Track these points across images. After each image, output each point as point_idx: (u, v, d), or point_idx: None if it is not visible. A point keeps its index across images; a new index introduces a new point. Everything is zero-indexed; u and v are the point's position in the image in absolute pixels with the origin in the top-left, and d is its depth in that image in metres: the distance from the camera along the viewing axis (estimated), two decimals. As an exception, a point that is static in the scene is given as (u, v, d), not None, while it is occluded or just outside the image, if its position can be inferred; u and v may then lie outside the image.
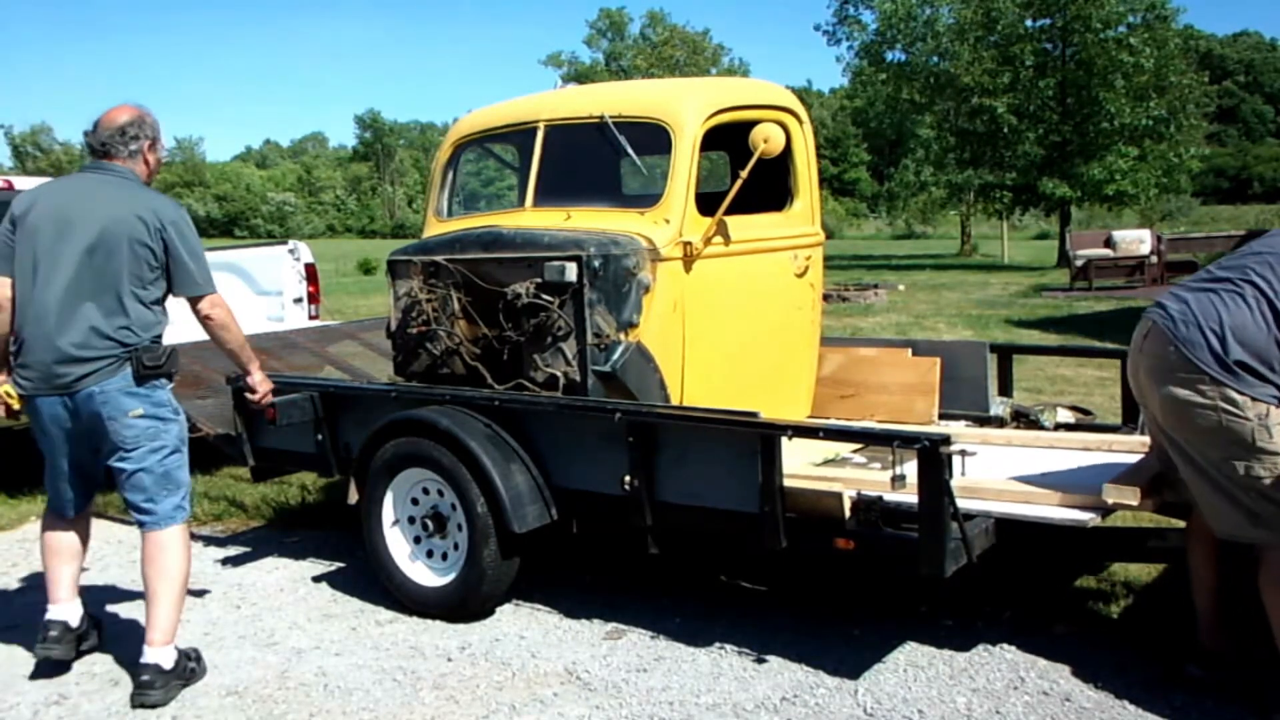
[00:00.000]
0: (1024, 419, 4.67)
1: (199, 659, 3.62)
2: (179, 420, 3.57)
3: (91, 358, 3.38)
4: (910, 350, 4.97)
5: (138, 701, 3.39)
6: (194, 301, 3.56)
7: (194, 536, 5.27)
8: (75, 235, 3.40)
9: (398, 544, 4.12)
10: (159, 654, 3.43)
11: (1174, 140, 25.88)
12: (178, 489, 3.52)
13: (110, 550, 5.06)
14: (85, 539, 3.77)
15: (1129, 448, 3.99)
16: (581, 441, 3.80)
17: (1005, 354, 5.07)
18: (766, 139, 3.96)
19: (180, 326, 6.41)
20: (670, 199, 4.07)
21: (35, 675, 3.70)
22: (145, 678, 3.40)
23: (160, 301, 3.54)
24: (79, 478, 3.67)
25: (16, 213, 3.51)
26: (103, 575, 4.75)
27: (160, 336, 3.54)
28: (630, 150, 4.23)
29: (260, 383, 3.95)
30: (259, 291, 7.22)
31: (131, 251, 3.40)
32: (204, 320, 3.60)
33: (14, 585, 4.69)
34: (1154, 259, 18.38)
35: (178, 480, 3.52)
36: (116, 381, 3.40)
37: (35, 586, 4.66)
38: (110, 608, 4.34)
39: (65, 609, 3.68)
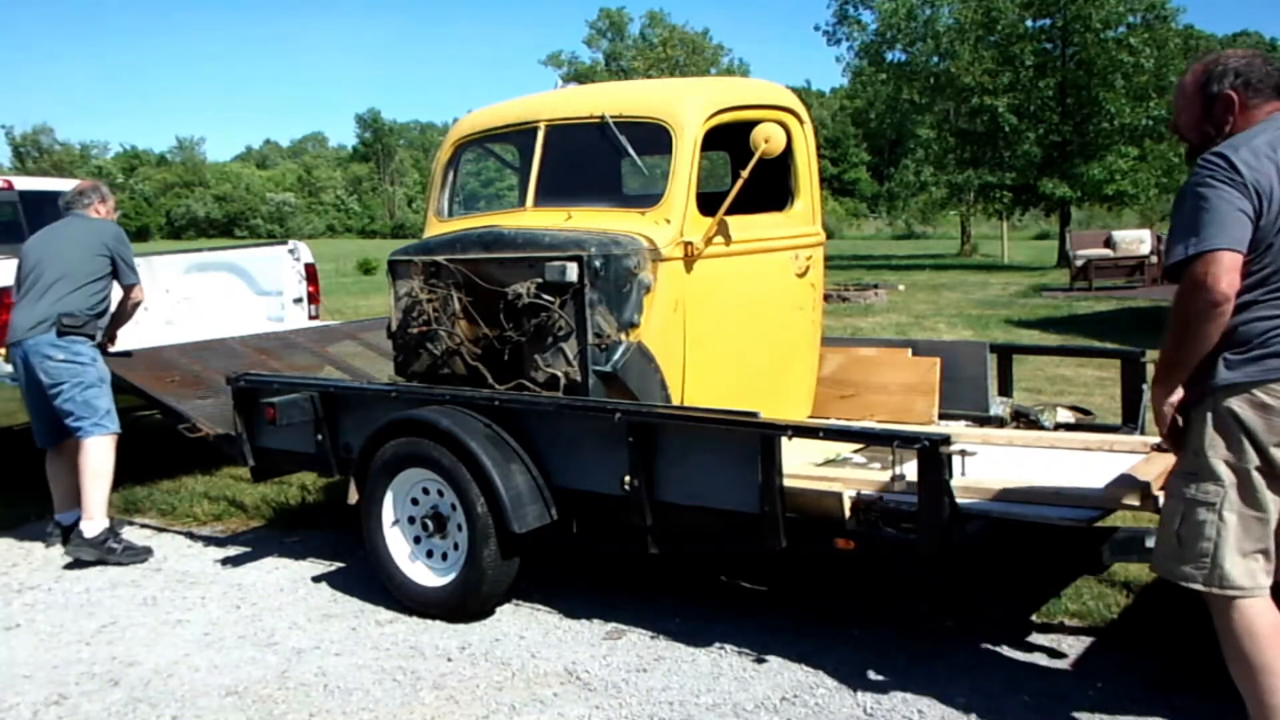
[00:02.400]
0: (1024, 419, 4.66)
1: (126, 550, 4.85)
2: (94, 365, 4.92)
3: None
4: (910, 350, 4.97)
5: (69, 552, 4.87)
6: None
7: (194, 536, 5.30)
8: None
9: (398, 544, 4.12)
10: (85, 525, 4.86)
11: (1174, 140, 25.85)
12: (95, 411, 4.88)
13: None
14: (70, 467, 5.02)
15: (1129, 448, 3.99)
16: (582, 441, 3.80)
17: (1005, 354, 5.07)
18: (767, 139, 3.96)
19: (179, 327, 6.41)
20: (671, 199, 4.07)
21: (35, 675, 3.70)
22: (72, 537, 4.89)
23: (91, 283, 4.98)
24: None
25: None
26: (103, 576, 4.75)
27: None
28: (631, 150, 4.22)
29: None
30: (259, 291, 7.22)
31: None
32: None
33: (14, 585, 4.69)
34: (1154, 259, 18.36)
35: (93, 406, 4.88)
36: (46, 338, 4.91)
37: (35, 586, 4.67)
38: (115, 609, 4.35)
39: (62, 516, 5.14)
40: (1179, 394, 2.60)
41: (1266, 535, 2.55)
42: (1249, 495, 2.53)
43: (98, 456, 4.89)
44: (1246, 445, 2.52)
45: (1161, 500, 2.79)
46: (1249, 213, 2.46)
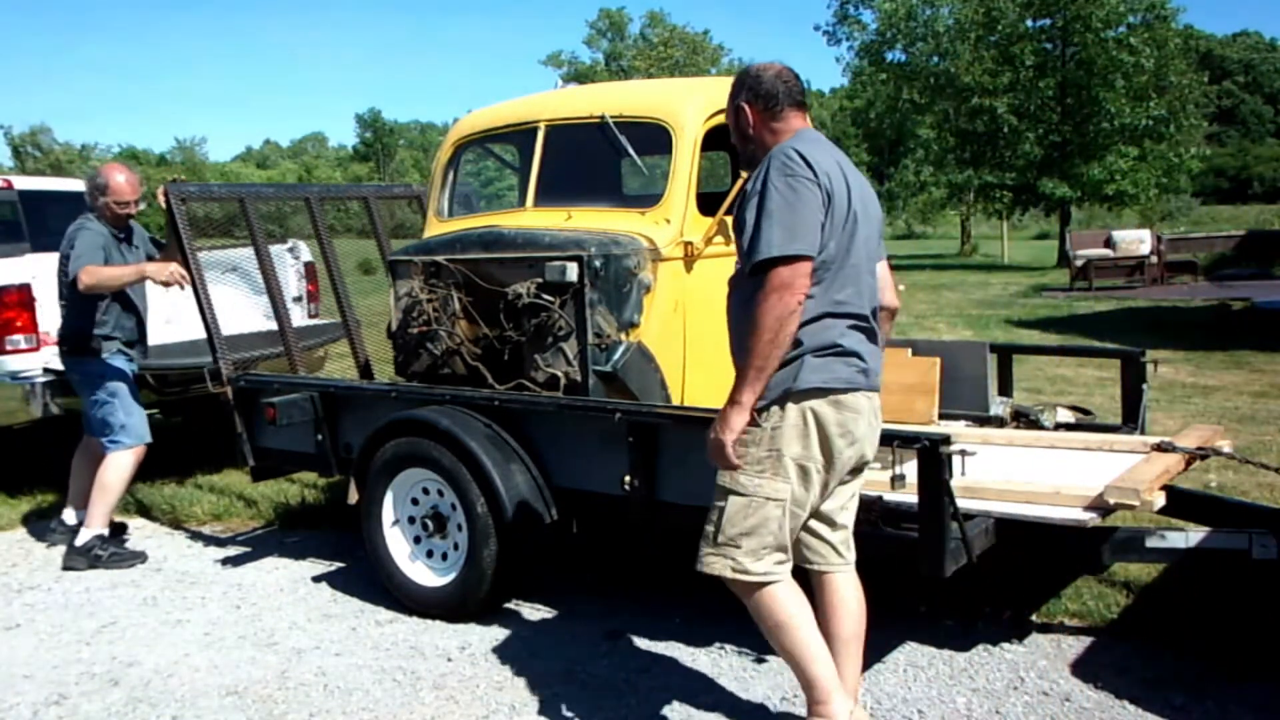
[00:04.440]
0: (1024, 419, 4.66)
1: (113, 556, 4.85)
2: (105, 380, 4.85)
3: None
4: (910, 350, 4.96)
5: (65, 564, 4.89)
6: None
7: (194, 536, 5.30)
8: None
9: (398, 544, 4.12)
10: (81, 533, 4.90)
11: (1174, 140, 25.89)
12: (109, 428, 4.89)
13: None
14: (92, 468, 5.05)
15: (1129, 448, 3.99)
16: (582, 441, 3.80)
17: (1005, 354, 5.07)
18: (767, 139, 3.95)
19: (179, 326, 6.39)
20: (671, 199, 4.07)
21: (35, 675, 3.70)
22: (70, 543, 4.93)
23: (71, 298, 4.81)
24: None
25: None
26: (103, 576, 4.75)
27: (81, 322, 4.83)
28: (631, 150, 4.22)
29: (157, 271, 4.76)
30: (258, 290, 7.21)
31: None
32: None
33: (14, 585, 4.69)
34: (1154, 259, 18.39)
35: (108, 423, 4.89)
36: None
37: (35, 586, 4.67)
38: (115, 609, 4.35)
39: (68, 514, 5.24)
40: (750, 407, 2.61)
41: (800, 523, 2.76)
42: (800, 492, 2.68)
43: (109, 471, 4.89)
44: (815, 443, 2.66)
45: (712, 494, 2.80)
46: (821, 214, 2.57)
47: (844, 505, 2.89)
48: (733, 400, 2.59)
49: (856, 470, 2.87)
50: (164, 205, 4.81)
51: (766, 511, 2.67)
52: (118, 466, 4.90)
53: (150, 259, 5.08)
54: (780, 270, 2.51)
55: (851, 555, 2.93)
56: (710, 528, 2.75)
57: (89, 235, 4.81)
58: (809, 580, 2.91)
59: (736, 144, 2.92)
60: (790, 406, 2.64)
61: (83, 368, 4.88)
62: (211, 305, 4.88)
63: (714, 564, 2.72)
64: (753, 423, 2.63)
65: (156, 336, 6.03)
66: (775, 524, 2.67)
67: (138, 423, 4.94)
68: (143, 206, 5.09)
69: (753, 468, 2.66)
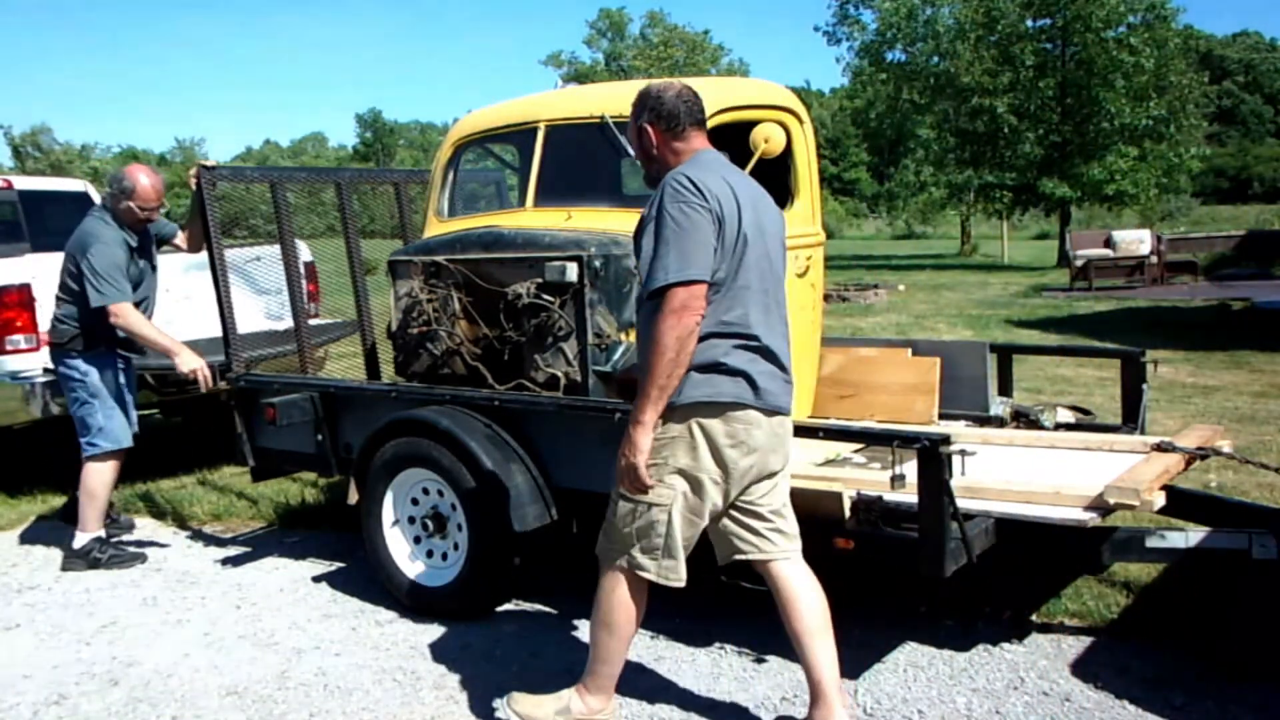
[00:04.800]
0: (1024, 419, 4.67)
1: (113, 558, 4.83)
2: (86, 380, 4.79)
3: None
4: (910, 350, 4.97)
5: (64, 566, 4.87)
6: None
7: (194, 536, 5.30)
8: None
9: (398, 544, 4.12)
10: (75, 537, 4.87)
11: (1174, 140, 25.86)
12: (87, 430, 4.84)
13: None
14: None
15: (1129, 448, 3.99)
16: (582, 441, 3.80)
17: (1005, 354, 5.07)
18: (767, 139, 3.96)
19: (179, 326, 6.39)
20: (670, 199, 4.06)
21: (35, 675, 3.70)
22: (64, 551, 4.92)
23: (68, 296, 4.80)
24: None
25: None
26: (103, 576, 4.75)
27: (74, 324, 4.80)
28: (631, 150, 4.21)
29: (186, 362, 4.76)
30: (258, 290, 7.20)
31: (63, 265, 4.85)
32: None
33: (14, 585, 4.69)
34: (1154, 259, 18.38)
35: (86, 424, 4.84)
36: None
37: (35, 586, 4.67)
38: (115, 609, 4.35)
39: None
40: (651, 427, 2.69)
41: (692, 540, 2.85)
42: (694, 500, 2.79)
43: (90, 478, 4.85)
44: (706, 455, 2.75)
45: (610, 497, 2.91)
46: (713, 239, 2.67)
47: (763, 496, 2.92)
48: (635, 421, 2.68)
49: (767, 477, 2.90)
50: (194, 187, 4.78)
51: (651, 516, 2.78)
52: (98, 473, 4.86)
53: (161, 242, 5.08)
54: (677, 293, 2.61)
55: (790, 544, 2.97)
56: (606, 523, 2.90)
57: (109, 252, 4.69)
58: (760, 575, 3.01)
59: (640, 164, 3.00)
60: (675, 421, 2.73)
61: (67, 364, 4.83)
62: (230, 297, 4.86)
63: (609, 555, 2.87)
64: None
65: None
66: (662, 528, 2.78)
67: (116, 427, 4.85)
68: (166, 209, 5.04)
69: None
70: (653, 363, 2.63)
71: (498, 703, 3.29)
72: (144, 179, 4.83)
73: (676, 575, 2.84)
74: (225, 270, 4.83)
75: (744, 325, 2.74)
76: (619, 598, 2.88)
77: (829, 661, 2.89)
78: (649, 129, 2.90)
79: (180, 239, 5.13)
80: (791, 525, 2.99)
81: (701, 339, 2.69)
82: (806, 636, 2.89)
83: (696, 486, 2.78)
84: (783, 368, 2.85)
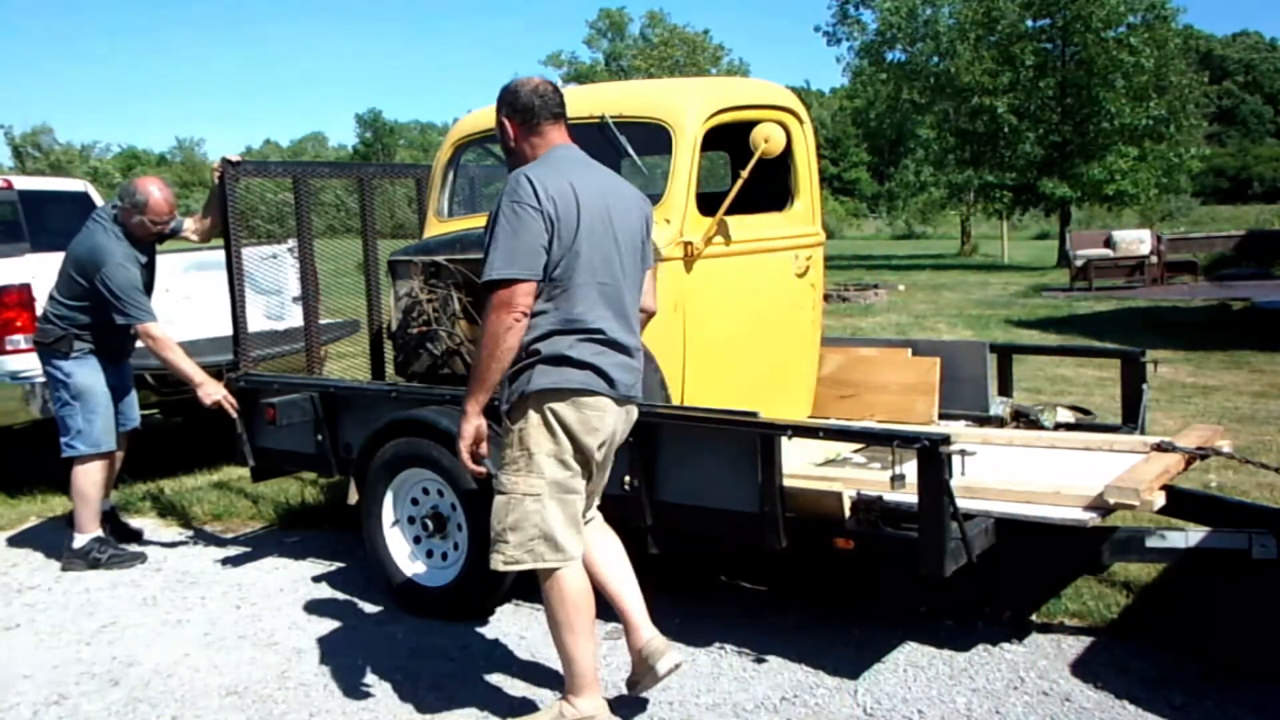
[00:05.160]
0: (1024, 419, 4.67)
1: (113, 558, 4.82)
2: (68, 382, 4.76)
3: None
4: (910, 350, 4.97)
5: (64, 566, 4.85)
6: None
7: (194, 536, 5.30)
8: None
9: (398, 544, 4.12)
10: (74, 538, 4.86)
11: (1174, 140, 25.85)
12: (67, 431, 4.80)
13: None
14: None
15: (1129, 447, 3.99)
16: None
17: (1005, 354, 5.07)
18: (767, 139, 3.96)
19: (179, 326, 6.39)
20: (671, 199, 4.07)
21: (35, 675, 3.70)
22: (64, 551, 4.88)
23: (64, 294, 4.77)
24: None
25: None
26: (103, 576, 4.75)
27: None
28: (631, 150, 4.22)
29: (210, 394, 4.67)
30: (258, 290, 7.20)
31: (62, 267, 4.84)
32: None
33: (14, 585, 4.69)
34: (1154, 259, 18.38)
35: (66, 425, 4.80)
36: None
37: (35, 586, 4.67)
38: (115, 609, 4.35)
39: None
40: (480, 414, 2.85)
41: (578, 513, 2.96)
42: (564, 480, 2.90)
43: (77, 479, 4.83)
44: (564, 439, 2.87)
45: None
46: (544, 239, 2.78)
47: (590, 492, 3.10)
48: (461, 411, 2.86)
49: (608, 464, 3.11)
50: (216, 180, 4.76)
51: (525, 507, 2.88)
52: (85, 474, 4.83)
53: (169, 237, 5.05)
54: (500, 292, 2.75)
55: (593, 514, 3.20)
56: (494, 530, 2.96)
57: (126, 272, 4.64)
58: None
59: (505, 157, 3.09)
60: (530, 410, 2.86)
61: (51, 364, 4.80)
62: (244, 295, 4.85)
63: (494, 559, 2.96)
64: (506, 428, 2.90)
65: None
66: (536, 517, 2.87)
67: (96, 431, 4.80)
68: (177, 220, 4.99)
69: (510, 468, 2.89)
70: (476, 355, 2.82)
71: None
72: (156, 192, 4.79)
73: (567, 553, 2.93)
74: (241, 268, 4.81)
75: (586, 320, 2.85)
76: (558, 597, 2.94)
77: (632, 593, 3.15)
78: (506, 123, 3.00)
79: (189, 229, 5.07)
80: (595, 503, 3.20)
81: (546, 335, 2.83)
82: (616, 584, 3.15)
83: (565, 467, 2.90)
84: (635, 358, 2.99)
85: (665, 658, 3.10)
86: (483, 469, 2.90)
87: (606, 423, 2.92)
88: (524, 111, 2.96)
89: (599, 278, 2.88)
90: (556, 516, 2.89)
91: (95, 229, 4.80)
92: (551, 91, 2.99)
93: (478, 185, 5.48)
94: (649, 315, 3.28)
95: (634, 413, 3.09)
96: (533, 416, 2.86)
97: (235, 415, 4.69)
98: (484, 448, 2.88)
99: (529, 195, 2.78)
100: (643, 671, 3.14)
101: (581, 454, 2.91)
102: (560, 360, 2.83)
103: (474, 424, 2.84)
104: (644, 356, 3.12)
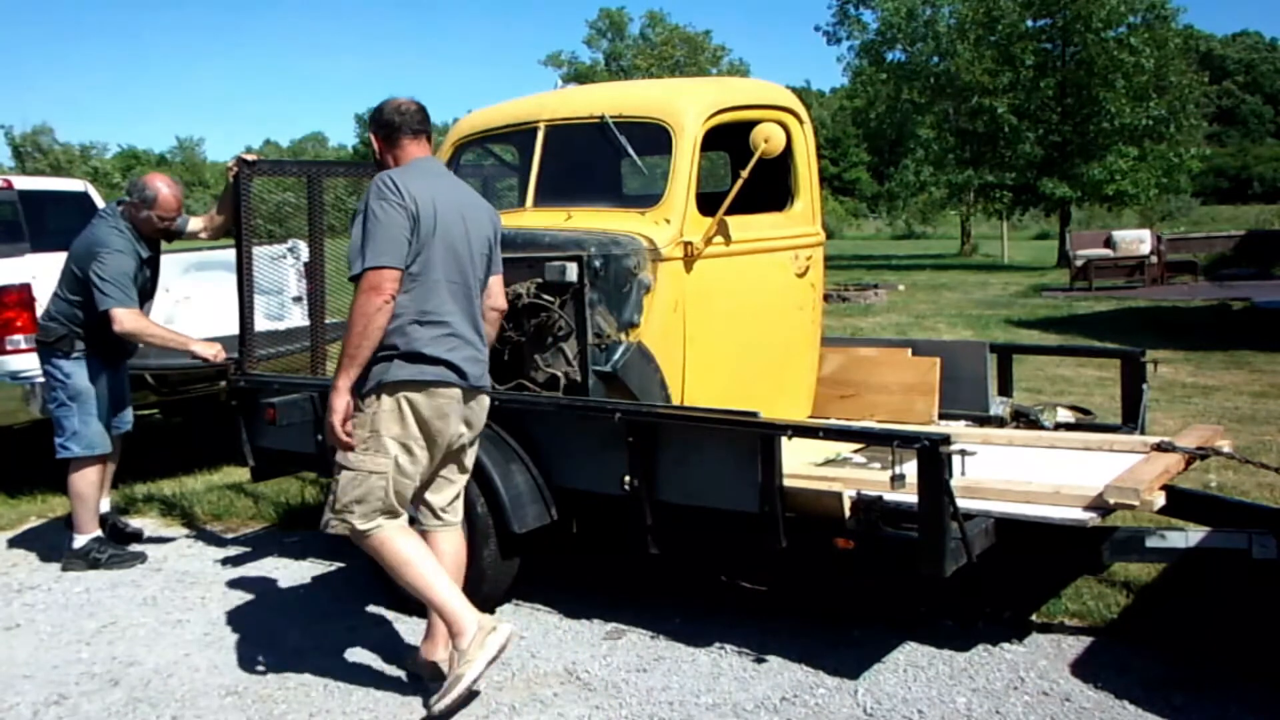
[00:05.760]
0: (1024, 419, 4.67)
1: (113, 558, 4.82)
2: (67, 383, 4.73)
3: None
4: (910, 350, 4.97)
5: (64, 566, 4.84)
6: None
7: (194, 536, 5.30)
8: None
9: (398, 544, 4.11)
10: (73, 539, 4.85)
11: (1174, 140, 25.85)
12: (62, 432, 4.77)
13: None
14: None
15: (1129, 447, 3.99)
16: (582, 441, 3.79)
17: (1005, 354, 5.07)
18: (767, 139, 3.96)
19: (179, 326, 6.39)
20: (671, 199, 4.07)
21: (35, 675, 3.70)
22: (64, 552, 4.88)
23: (65, 294, 4.74)
24: None
25: None
26: (103, 576, 4.75)
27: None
28: (631, 150, 4.22)
29: (203, 349, 4.75)
30: (258, 290, 7.20)
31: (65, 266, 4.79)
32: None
33: (14, 585, 4.69)
34: (1154, 259, 18.38)
35: (61, 426, 4.77)
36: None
37: (35, 586, 4.67)
38: (115, 609, 4.35)
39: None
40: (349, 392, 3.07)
41: (407, 493, 3.21)
42: (406, 464, 3.15)
43: (74, 480, 4.82)
44: (413, 425, 3.13)
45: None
46: (408, 232, 3.05)
47: (446, 476, 3.36)
48: (333, 387, 3.08)
49: (461, 449, 3.34)
50: (231, 178, 4.76)
51: (371, 483, 3.12)
52: (81, 475, 4.81)
53: (176, 236, 5.02)
54: (369, 276, 3.00)
55: (453, 518, 3.42)
56: (330, 496, 3.20)
57: (121, 260, 4.64)
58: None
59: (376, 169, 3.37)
60: (385, 396, 3.11)
61: (51, 363, 4.77)
62: (252, 296, 4.84)
63: (336, 526, 3.18)
64: (359, 409, 3.11)
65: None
66: (380, 492, 3.13)
67: (91, 433, 4.77)
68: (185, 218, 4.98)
69: (359, 446, 3.12)
70: (347, 336, 3.05)
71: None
72: (165, 189, 4.80)
73: (400, 521, 3.21)
74: (251, 268, 4.81)
75: (439, 314, 3.13)
76: (393, 552, 3.17)
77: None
78: (373, 138, 3.36)
79: (196, 225, 5.04)
80: (459, 503, 3.45)
81: (404, 326, 3.08)
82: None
83: (407, 451, 3.14)
84: (480, 351, 3.27)
85: (497, 631, 3.22)
86: (352, 441, 3.11)
87: (456, 410, 3.20)
88: (386, 127, 3.29)
89: (450, 276, 3.16)
90: (395, 493, 3.16)
91: (99, 224, 4.81)
92: (414, 110, 3.31)
93: (478, 185, 5.48)
94: (500, 313, 3.56)
95: (485, 401, 3.36)
96: (386, 402, 3.11)
97: (222, 365, 4.77)
98: (350, 425, 3.10)
99: (393, 193, 3.06)
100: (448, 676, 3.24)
101: (430, 440, 3.17)
102: (417, 356, 3.09)
103: (344, 399, 3.06)
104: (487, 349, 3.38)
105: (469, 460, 3.43)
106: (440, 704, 3.13)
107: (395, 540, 3.17)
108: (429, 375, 3.11)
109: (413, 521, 3.32)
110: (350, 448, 3.12)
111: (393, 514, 3.17)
